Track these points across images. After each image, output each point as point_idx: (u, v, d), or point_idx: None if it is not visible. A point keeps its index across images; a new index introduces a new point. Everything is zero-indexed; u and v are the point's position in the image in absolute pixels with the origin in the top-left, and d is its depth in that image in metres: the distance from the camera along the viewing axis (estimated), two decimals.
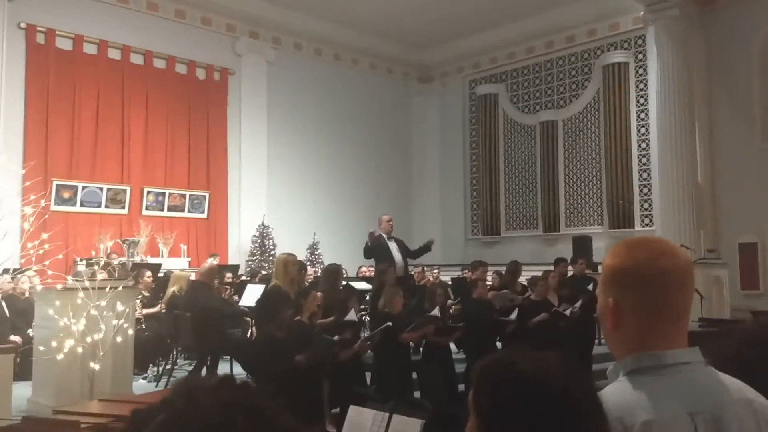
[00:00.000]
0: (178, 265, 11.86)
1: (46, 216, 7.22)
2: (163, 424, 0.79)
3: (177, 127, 13.48)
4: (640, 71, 14.32)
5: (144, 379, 7.95)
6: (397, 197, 16.67)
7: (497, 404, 1.08)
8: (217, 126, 14.06)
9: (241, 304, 8.62)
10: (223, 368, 7.82)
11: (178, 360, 8.27)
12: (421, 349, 7.14)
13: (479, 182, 16.97)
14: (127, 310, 6.17)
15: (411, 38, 16.64)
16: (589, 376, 1.16)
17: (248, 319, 8.41)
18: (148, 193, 12.90)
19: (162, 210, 13.05)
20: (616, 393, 1.26)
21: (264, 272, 11.31)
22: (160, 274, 10.03)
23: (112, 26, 12.59)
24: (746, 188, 12.09)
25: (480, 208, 16.86)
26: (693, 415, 1.23)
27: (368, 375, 6.26)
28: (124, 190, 12.55)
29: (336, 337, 5.58)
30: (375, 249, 8.30)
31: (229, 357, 7.97)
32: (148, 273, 9.03)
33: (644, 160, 14.18)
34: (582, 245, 13.36)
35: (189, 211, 13.42)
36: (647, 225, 13.92)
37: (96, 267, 6.05)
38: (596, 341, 9.80)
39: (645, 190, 14.15)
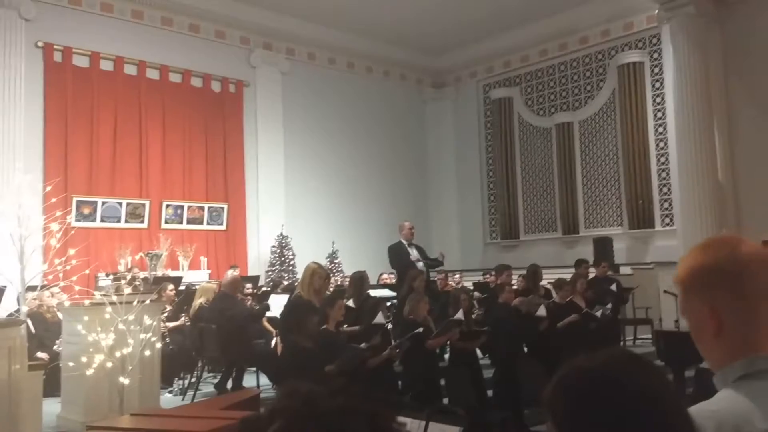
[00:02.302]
0: (198, 277, 11.88)
1: (72, 231, 7.25)
2: (283, 430, 0.78)
3: (194, 140, 13.55)
4: (656, 70, 14.22)
5: (170, 393, 7.94)
6: (414, 203, 16.64)
7: (572, 410, 1.02)
8: (233, 138, 14.12)
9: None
10: (248, 380, 7.80)
11: (203, 373, 8.26)
12: (446, 356, 7.10)
13: (496, 186, 16.91)
14: (154, 323, 6.18)
15: (423, 44, 16.66)
16: (665, 374, 1.09)
17: (271, 328, 8.38)
18: (167, 206, 12.94)
19: (181, 223, 13.09)
20: (729, 400, 1.18)
21: (286, 282, 11.31)
22: (181, 287, 10.05)
23: (127, 42, 12.70)
24: None
25: (498, 212, 16.80)
26: None
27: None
28: (143, 204, 12.60)
29: (363, 345, 5.56)
30: (400, 255, 8.27)
31: (255, 368, 7.95)
32: (171, 286, 9.06)
33: (663, 159, 14.05)
34: (603, 246, 13.25)
35: (208, 224, 13.46)
36: (668, 225, 13.78)
37: (123, 281, 6.06)
38: (622, 343, 9.76)
39: (665, 190, 14.02)
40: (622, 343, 9.72)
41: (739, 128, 12.50)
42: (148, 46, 12.96)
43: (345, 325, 6.26)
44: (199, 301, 8.10)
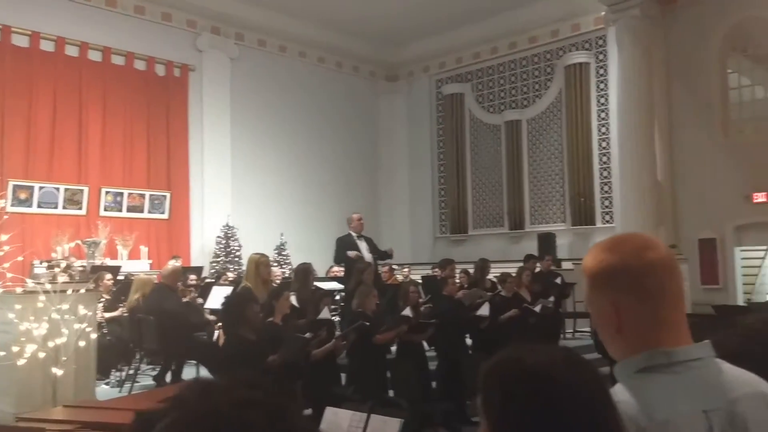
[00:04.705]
0: (138, 267, 11.61)
1: (6, 217, 6.94)
2: (175, 423, 0.74)
3: (136, 124, 13.17)
4: (601, 71, 14.56)
5: (106, 384, 7.78)
6: (365, 196, 16.60)
7: (504, 402, 1.04)
8: (177, 124, 13.77)
9: (206, 306, 8.46)
10: (188, 373, 7.65)
11: (141, 365, 8.09)
12: (394, 348, 7.11)
13: (447, 181, 17.04)
14: (90, 313, 5.99)
15: (377, 37, 16.61)
16: (596, 367, 1.11)
17: (213, 320, 8.23)
18: (107, 193, 12.56)
19: (121, 210, 12.72)
20: (628, 392, 1.22)
21: (230, 274, 11.12)
22: (120, 277, 9.80)
23: (69, 23, 12.22)
24: (705, 185, 12.39)
25: (448, 207, 16.94)
26: (708, 412, 1.20)
27: (343, 376, 6.18)
28: (82, 191, 12.20)
29: (308, 335, 5.49)
30: (345, 248, 8.23)
31: (195, 361, 7.81)
32: (109, 276, 8.81)
33: (604, 158, 14.42)
34: (546, 242, 13.56)
35: (149, 212, 13.12)
36: (608, 222, 14.16)
37: (57, 269, 5.84)
38: (562, 336, 10.02)
39: (606, 188, 14.39)
40: (562, 335, 10.00)
41: (679, 129, 12.93)
42: (91, 26, 12.52)
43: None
44: (135, 296, 7.91)
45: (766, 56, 12.42)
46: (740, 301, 11.90)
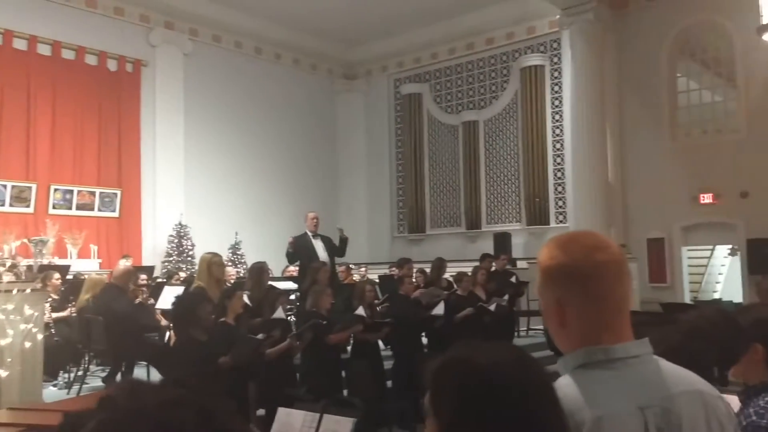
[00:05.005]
0: (87, 267, 11.35)
1: None
2: (103, 423, 0.73)
3: (86, 121, 12.85)
4: (555, 74, 14.81)
5: (54, 386, 7.58)
6: (322, 195, 16.51)
7: (457, 402, 1.05)
8: (129, 120, 13.48)
9: (157, 306, 8.31)
10: (139, 375, 7.49)
11: (90, 366, 7.91)
12: (349, 348, 7.10)
13: (405, 180, 17.09)
14: (36, 314, 5.81)
15: (335, 35, 16.54)
16: (543, 366, 1.13)
17: (165, 323, 8.09)
18: (56, 190, 12.25)
19: (70, 209, 12.42)
20: (567, 387, 1.24)
21: (182, 273, 10.94)
22: (69, 276, 9.57)
23: (17, 15, 11.85)
24: (654, 186, 12.73)
25: (406, 206, 16.99)
26: (643, 409, 1.23)
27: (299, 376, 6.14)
28: (30, 188, 11.87)
29: (260, 336, 5.44)
30: (299, 249, 8.18)
31: (145, 363, 7.66)
32: (57, 275, 8.57)
33: (559, 159, 14.67)
34: (502, 241, 13.73)
35: (99, 210, 12.82)
36: (561, 222, 14.42)
37: (2, 268, 5.65)
38: (516, 334, 10.18)
39: (559, 189, 14.65)
40: (516, 333, 10.15)
41: (629, 132, 13.26)
42: (40, 19, 12.18)
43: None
44: (86, 296, 7.72)
45: (713, 60, 12.82)
46: (687, 299, 12.27)
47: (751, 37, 10.89)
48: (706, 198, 12.31)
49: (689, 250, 13.07)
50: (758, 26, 9.96)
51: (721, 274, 14.68)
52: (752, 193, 11.77)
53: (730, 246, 13.52)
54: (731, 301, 10.44)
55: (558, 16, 13.44)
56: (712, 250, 14.32)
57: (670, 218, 12.60)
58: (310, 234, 8.41)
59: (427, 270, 9.48)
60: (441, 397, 1.07)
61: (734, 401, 2.19)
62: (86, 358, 7.83)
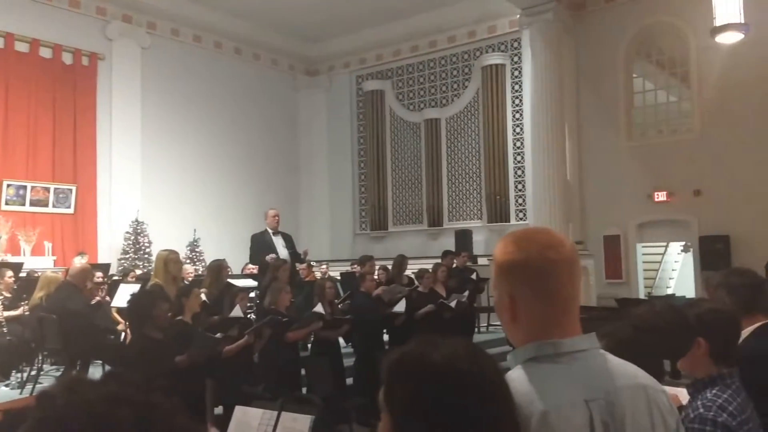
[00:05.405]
0: (41, 264, 11.08)
1: None
2: (41, 421, 0.72)
3: (40, 115, 12.54)
4: (516, 73, 14.98)
5: (6, 386, 7.42)
6: (284, 192, 16.40)
7: (408, 398, 1.06)
8: (85, 114, 13.19)
9: (112, 304, 8.15)
10: (95, 374, 7.35)
11: (44, 366, 7.73)
12: (309, 345, 7.08)
13: (367, 177, 17.08)
14: None
15: (297, 31, 16.43)
16: (496, 361, 1.15)
17: (120, 322, 7.95)
18: (8, 186, 11.93)
19: (24, 204, 12.10)
20: (517, 380, 1.26)
21: (139, 271, 10.75)
22: (22, 274, 9.32)
23: None
24: (610, 184, 12.99)
25: (368, 204, 16.98)
26: (589, 402, 1.25)
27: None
28: None
29: (219, 335, 5.38)
30: (259, 246, 8.10)
31: (101, 362, 7.52)
32: (10, 273, 8.35)
33: (519, 158, 14.85)
34: (463, 239, 13.84)
35: (54, 206, 12.51)
36: (521, 219, 14.60)
37: None
38: (476, 330, 10.29)
39: (519, 187, 14.83)
40: (477, 329, 10.26)
41: (587, 131, 13.50)
42: None
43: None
44: (39, 294, 7.53)
45: (668, 61, 13.12)
46: (642, 294, 12.55)
47: (705, 38, 11.18)
48: (661, 196, 12.61)
49: (644, 246, 13.37)
50: (712, 28, 10.22)
51: (674, 270, 15.08)
52: (705, 191, 12.10)
53: (683, 243, 13.89)
54: (684, 297, 10.70)
55: (518, 16, 13.59)
56: (666, 246, 14.68)
57: (625, 215, 12.87)
58: (270, 231, 8.34)
59: (389, 267, 9.51)
60: (394, 392, 1.08)
61: (683, 394, 2.25)
62: (40, 358, 7.66)
